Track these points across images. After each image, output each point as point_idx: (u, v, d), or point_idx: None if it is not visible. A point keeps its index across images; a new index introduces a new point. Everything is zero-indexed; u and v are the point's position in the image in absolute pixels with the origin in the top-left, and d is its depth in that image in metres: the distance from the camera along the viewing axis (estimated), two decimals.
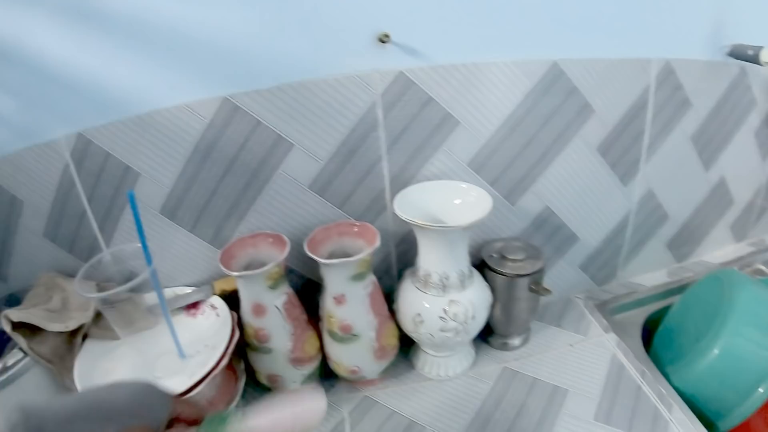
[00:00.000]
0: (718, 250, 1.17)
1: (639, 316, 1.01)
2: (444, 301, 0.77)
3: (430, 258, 0.76)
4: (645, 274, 1.11)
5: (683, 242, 1.11)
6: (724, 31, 0.92)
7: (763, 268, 1.11)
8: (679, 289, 1.03)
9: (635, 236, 1.04)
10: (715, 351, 0.79)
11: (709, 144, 1.00)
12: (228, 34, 0.67)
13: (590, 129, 0.87)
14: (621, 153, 0.92)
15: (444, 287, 0.77)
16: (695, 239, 1.13)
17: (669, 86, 0.90)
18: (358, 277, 0.74)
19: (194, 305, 0.81)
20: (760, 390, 0.76)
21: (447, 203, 0.79)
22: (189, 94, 0.70)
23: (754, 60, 0.94)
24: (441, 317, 0.77)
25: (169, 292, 0.80)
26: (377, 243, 0.74)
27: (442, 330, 0.77)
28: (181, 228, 0.80)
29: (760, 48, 0.92)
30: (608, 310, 0.99)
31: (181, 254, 0.82)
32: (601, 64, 0.83)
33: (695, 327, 0.86)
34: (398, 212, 0.74)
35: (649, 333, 0.98)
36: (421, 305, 0.78)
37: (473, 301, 0.78)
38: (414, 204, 0.77)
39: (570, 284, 1.04)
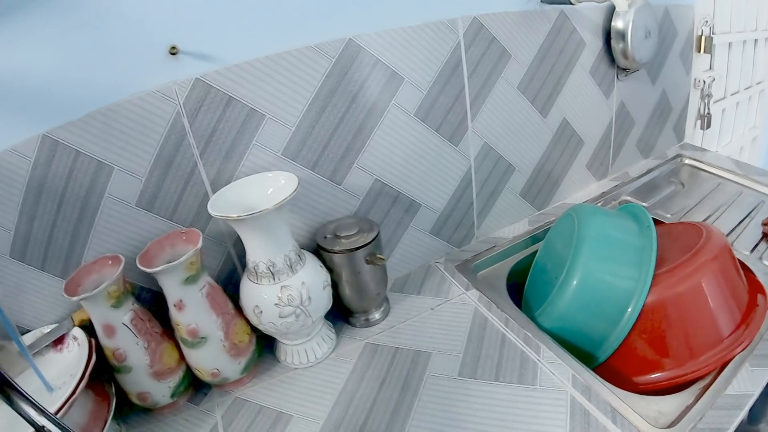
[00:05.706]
0: (580, 190, 1.19)
1: (504, 268, 1.02)
2: (276, 288, 0.78)
3: (253, 248, 0.78)
4: (506, 227, 1.11)
5: (538, 189, 1.12)
6: None
7: (629, 198, 1.13)
8: (544, 234, 1.05)
9: (483, 192, 1.05)
10: (574, 282, 0.79)
11: (540, 90, 1.02)
12: (35, 73, 0.69)
13: (404, 96, 0.89)
14: (443, 113, 0.93)
15: (273, 275, 0.78)
16: (551, 184, 1.14)
17: (482, 41, 0.92)
18: (191, 280, 0.76)
19: (60, 340, 0.82)
20: (629, 309, 0.77)
21: (262, 194, 0.80)
22: (11, 137, 0.71)
23: (566, 1, 0.97)
24: (276, 304, 0.78)
25: (37, 333, 0.81)
26: (199, 244, 0.76)
27: (281, 316, 0.78)
28: (32, 268, 0.80)
29: None
30: (470, 268, 1.00)
31: (38, 293, 0.82)
32: (402, 33, 0.85)
33: (555, 267, 0.87)
34: (210, 211, 0.75)
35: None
36: (258, 297, 0.79)
37: (305, 282, 0.79)
38: (232, 202, 0.78)
39: (427, 251, 1.04)
